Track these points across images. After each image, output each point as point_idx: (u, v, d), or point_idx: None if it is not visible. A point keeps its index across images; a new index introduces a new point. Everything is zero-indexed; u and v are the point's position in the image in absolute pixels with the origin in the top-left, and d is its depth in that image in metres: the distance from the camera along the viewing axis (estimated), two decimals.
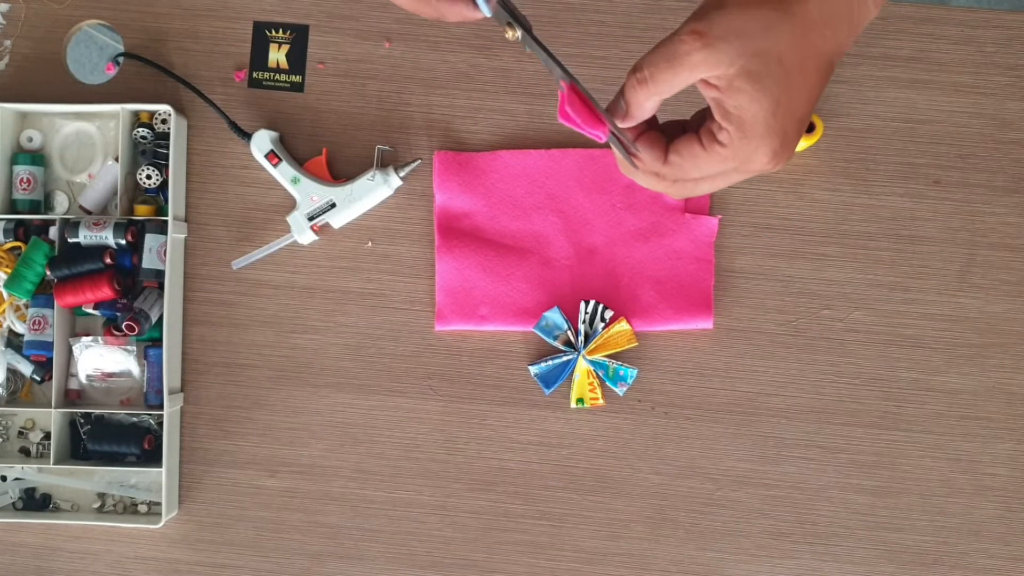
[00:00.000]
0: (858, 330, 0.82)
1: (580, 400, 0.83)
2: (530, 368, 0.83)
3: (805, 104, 0.44)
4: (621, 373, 0.82)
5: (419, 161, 0.83)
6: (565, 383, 0.83)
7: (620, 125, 0.47)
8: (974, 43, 0.83)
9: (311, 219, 0.82)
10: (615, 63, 0.84)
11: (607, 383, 0.83)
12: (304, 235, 0.83)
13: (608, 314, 0.82)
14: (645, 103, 0.46)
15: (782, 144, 0.44)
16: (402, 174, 0.83)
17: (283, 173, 0.83)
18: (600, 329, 0.82)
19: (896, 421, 0.82)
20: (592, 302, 0.82)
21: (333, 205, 0.82)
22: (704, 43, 0.43)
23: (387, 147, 0.84)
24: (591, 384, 0.82)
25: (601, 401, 0.83)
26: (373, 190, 0.82)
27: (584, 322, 0.82)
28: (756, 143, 0.44)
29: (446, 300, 0.84)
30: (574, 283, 0.83)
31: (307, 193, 0.82)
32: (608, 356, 0.82)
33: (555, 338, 0.83)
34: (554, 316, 0.83)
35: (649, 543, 0.83)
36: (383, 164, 0.83)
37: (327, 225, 0.83)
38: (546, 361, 0.83)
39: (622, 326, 0.82)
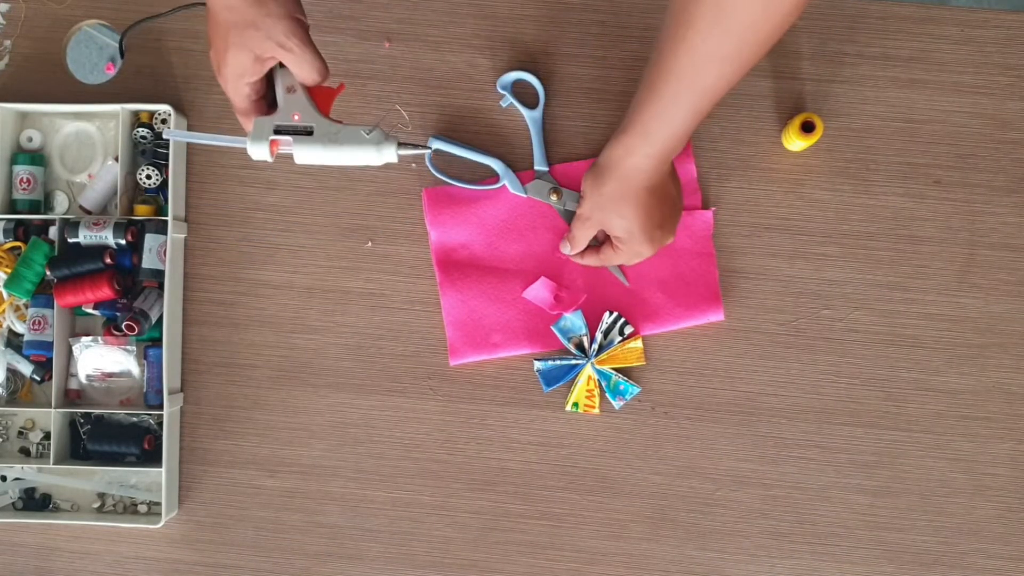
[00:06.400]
0: (858, 330, 0.83)
1: (575, 405, 0.83)
2: (535, 363, 0.83)
3: (651, 223, 0.73)
4: (622, 388, 0.82)
5: (430, 150, 0.80)
6: (565, 385, 0.83)
7: (571, 254, 0.82)
8: (974, 43, 0.83)
9: (278, 132, 0.67)
10: (615, 63, 0.84)
11: (606, 394, 0.83)
12: (259, 146, 0.67)
13: (628, 330, 0.82)
14: (583, 244, 0.80)
15: (652, 241, 0.75)
16: (402, 152, 0.69)
17: (284, 79, 0.68)
18: (616, 341, 0.82)
19: (896, 421, 0.82)
20: (615, 314, 0.82)
21: (311, 133, 0.68)
22: (589, 225, 0.77)
23: (405, 115, 0.81)
24: (590, 392, 0.82)
25: (596, 411, 0.83)
26: (360, 145, 0.68)
27: (602, 332, 0.82)
28: (636, 248, 0.76)
29: (456, 334, 0.83)
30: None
31: (293, 107, 0.68)
32: (615, 369, 0.82)
33: (569, 339, 0.83)
34: (575, 318, 0.83)
35: (649, 543, 0.83)
36: (390, 135, 0.70)
37: (289, 155, 0.69)
38: (552, 360, 0.83)
39: (636, 344, 0.82)
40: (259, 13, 0.62)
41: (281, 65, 0.67)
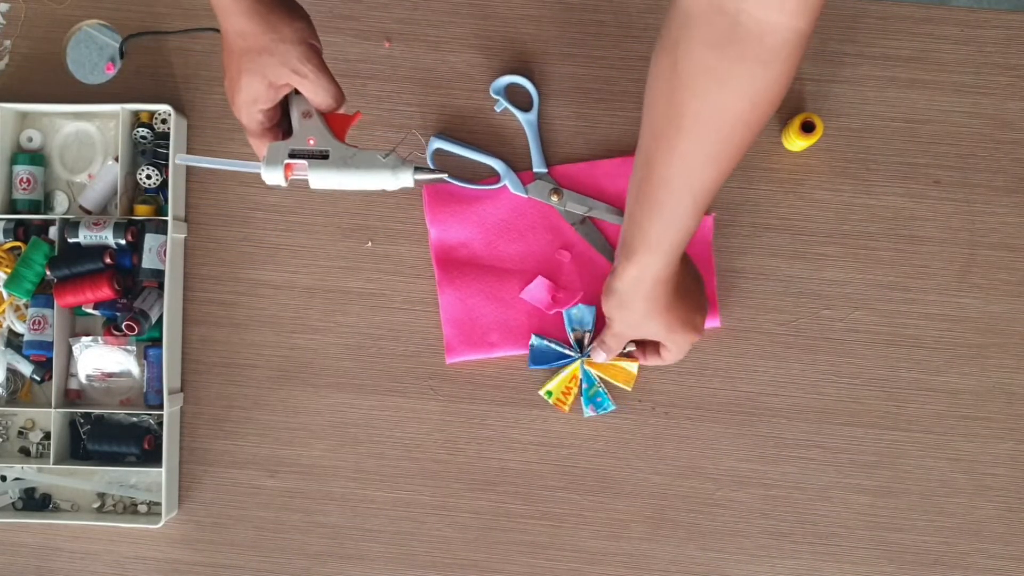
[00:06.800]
0: (858, 330, 0.82)
1: (549, 393, 0.82)
2: (533, 336, 0.83)
3: (687, 313, 0.73)
4: (599, 399, 0.82)
5: (445, 175, 0.70)
6: (549, 372, 0.82)
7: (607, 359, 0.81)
8: (974, 43, 0.83)
9: (293, 156, 0.66)
10: (615, 63, 0.84)
11: (582, 397, 0.82)
12: (273, 171, 0.66)
13: (630, 348, 0.80)
14: (617, 351, 0.80)
15: (694, 327, 0.75)
16: (418, 177, 0.67)
17: (298, 104, 0.67)
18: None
19: (896, 421, 0.82)
20: None
21: (326, 157, 0.67)
22: (624, 338, 0.78)
23: (420, 138, 0.81)
24: (568, 388, 0.82)
25: (566, 409, 0.82)
26: (376, 170, 0.67)
27: None
28: (682, 341, 0.75)
29: (453, 332, 0.83)
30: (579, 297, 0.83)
31: (308, 132, 0.67)
32: (601, 378, 0.82)
33: (572, 331, 0.83)
34: (587, 313, 0.82)
35: (649, 543, 0.83)
36: (406, 158, 0.69)
37: (304, 181, 0.68)
38: (551, 343, 0.82)
39: (631, 367, 0.82)
40: (273, 39, 0.61)
41: (296, 92, 0.66)
